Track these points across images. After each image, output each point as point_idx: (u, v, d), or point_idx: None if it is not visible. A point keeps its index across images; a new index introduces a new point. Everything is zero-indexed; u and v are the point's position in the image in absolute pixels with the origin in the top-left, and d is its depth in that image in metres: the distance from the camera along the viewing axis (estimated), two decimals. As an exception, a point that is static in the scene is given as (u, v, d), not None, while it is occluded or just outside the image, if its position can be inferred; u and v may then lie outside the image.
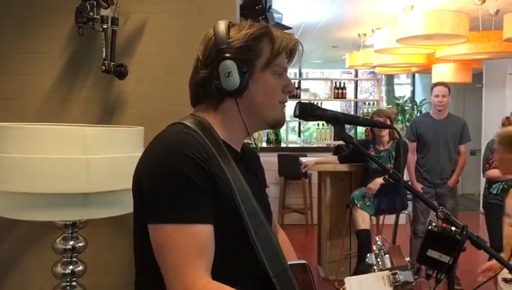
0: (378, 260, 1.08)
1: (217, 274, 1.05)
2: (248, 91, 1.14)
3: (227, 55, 1.12)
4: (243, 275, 1.11)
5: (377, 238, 1.13)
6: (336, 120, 1.20)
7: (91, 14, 1.90)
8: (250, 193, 1.11)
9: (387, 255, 1.08)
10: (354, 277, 1.08)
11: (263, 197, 1.27)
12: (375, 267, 1.08)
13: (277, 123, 1.22)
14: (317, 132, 8.12)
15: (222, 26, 1.15)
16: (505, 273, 1.93)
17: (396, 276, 1.04)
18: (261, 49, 1.15)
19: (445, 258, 1.07)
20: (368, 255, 1.11)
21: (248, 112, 1.16)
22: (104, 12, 1.94)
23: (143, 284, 1.16)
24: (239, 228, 1.08)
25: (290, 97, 1.25)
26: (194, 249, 1.02)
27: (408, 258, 1.10)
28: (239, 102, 1.15)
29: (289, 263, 1.17)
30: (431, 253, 1.08)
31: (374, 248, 1.11)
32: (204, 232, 1.04)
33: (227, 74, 1.11)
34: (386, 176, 3.80)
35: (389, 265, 1.06)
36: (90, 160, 1.58)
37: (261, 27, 1.17)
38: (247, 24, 1.17)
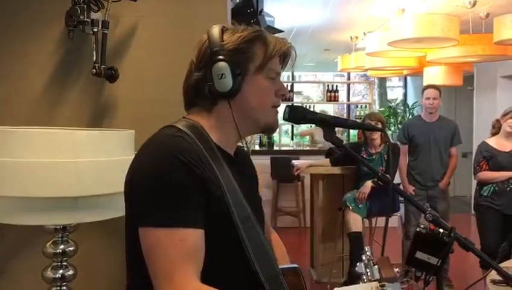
0: (367, 270, 1.09)
1: (208, 278, 1.05)
2: (241, 93, 1.15)
3: (221, 57, 1.13)
4: (234, 279, 1.11)
5: (366, 249, 1.13)
6: (326, 123, 1.21)
7: (81, 17, 1.90)
8: (242, 196, 1.11)
9: (376, 266, 1.08)
10: (342, 288, 1.08)
11: (256, 201, 1.27)
12: (364, 277, 1.08)
13: (268, 127, 1.22)
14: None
15: (216, 29, 1.16)
16: (493, 274, 1.94)
17: (385, 288, 1.04)
18: (254, 52, 1.16)
19: (434, 260, 1.08)
20: (358, 264, 1.11)
21: (241, 115, 1.17)
22: (94, 15, 1.93)
23: (135, 289, 1.16)
24: (230, 231, 1.08)
25: (282, 100, 1.25)
26: (183, 253, 1.01)
27: (397, 269, 1.10)
28: (232, 104, 1.15)
29: (280, 267, 1.17)
30: (419, 255, 1.09)
31: (364, 257, 1.11)
32: (195, 236, 1.04)
33: (220, 75, 1.12)
34: (375, 179, 3.81)
35: (377, 276, 1.07)
36: (80, 164, 1.58)
37: (255, 30, 1.18)
38: (240, 28, 1.19)
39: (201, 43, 1.17)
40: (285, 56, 1.22)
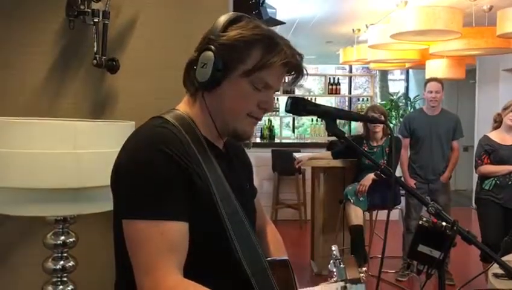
0: (335, 270, 1.09)
1: (194, 271, 1.03)
2: (220, 90, 1.11)
3: (210, 46, 1.10)
4: (221, 273, 1.09)
5: (333, 248, 1.13)
6: (328, 115, 1.19)
7: (82, 7, 1.89)
8: (230, 190, 1.10)
9: (342, 266, 1.08)
10: (307, 288, 1.08)
11: (247, 194, 1.25)
12: (334, 276, 1.09)
13: (235, 135, 1.16)
14: (311, 127, 8.11)
15: (224, 17, 1.13)
16: (495, 268, 1.94)
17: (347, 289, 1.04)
18: (249, 54, 1.09)
19: (436, 253, 1.07)
20: (331, 261, 1.11)
21: (214, 111, 1.13)
22: (95, 5, 1.92)
23: (122, 286, 1.14)
24: (217, 226, 1.07)
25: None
26: (165, 246, 1.00)
27: (365, 268, 1.10)
28: (210, 98, 1.12)
29: (270, 259, 1.17)
30: (422, 248, 1.08)
31: (333, 256, 1.12)
32: (177, 229, 1.02)
33: (203, 64, 1.10)
34: (378, 172, 3.80)
35: (344, 276, 1.07)
36: (81, 155, 1.57)
37: (261, 34, 1.10)
38: (252, 24, 1.12)
39: (212, 25, 1.14)
40: (291, 68, 1.14)
